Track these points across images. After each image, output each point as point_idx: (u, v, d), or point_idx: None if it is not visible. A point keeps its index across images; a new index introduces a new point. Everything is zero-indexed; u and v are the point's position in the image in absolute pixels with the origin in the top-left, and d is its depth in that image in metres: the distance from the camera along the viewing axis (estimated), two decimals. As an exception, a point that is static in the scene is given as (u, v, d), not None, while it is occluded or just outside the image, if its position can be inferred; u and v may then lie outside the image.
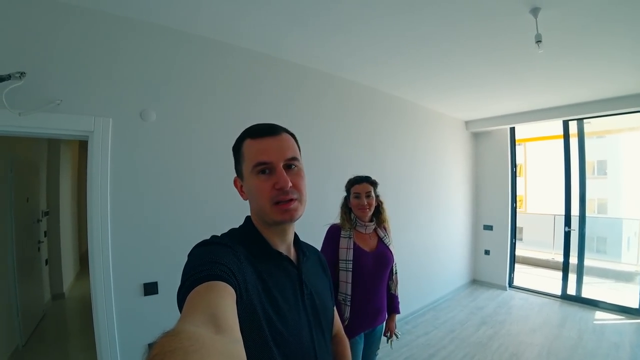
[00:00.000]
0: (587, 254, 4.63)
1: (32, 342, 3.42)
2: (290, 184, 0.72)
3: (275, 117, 2.66)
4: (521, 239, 7.39)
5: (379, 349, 1.98)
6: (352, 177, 1.95)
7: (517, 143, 5.37)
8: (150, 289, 2.06)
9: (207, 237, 0.75)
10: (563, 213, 4.76)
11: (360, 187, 1.86)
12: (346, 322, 1.72)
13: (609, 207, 8.92)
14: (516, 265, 5.44)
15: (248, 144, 0.77)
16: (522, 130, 5.69)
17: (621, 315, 4.03)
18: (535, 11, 1.95)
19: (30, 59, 1.72)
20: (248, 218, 0.83)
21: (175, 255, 2.11)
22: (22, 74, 1.64)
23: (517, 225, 5.45)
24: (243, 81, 2.57)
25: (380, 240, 1.90)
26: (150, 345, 2.00)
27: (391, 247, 1.91)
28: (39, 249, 4.02)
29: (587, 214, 4.58)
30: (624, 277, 5.79)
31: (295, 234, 0.87)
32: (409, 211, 4.08)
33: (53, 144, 4.72)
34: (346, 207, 1.93)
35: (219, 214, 2.35)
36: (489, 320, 4.04)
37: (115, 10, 1.98)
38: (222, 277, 0.57)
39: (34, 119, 1.72)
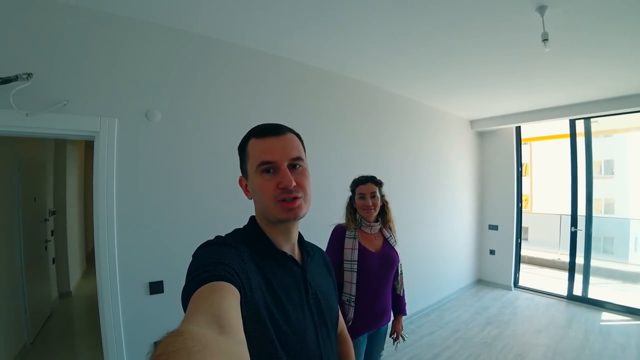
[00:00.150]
0: (593, 255, 4.58)
1: (39, 339, 3.47)
2: (294, 184, 0.73)
3: (279, 117, 2.67)
4: (526, 239, 7.33)
5: (383, 349, 1.98)
6: (357, 177, 1.94)
7: (522, 142, 5.33)
8: (156, 287, 2.08)
9: (212, 236, 0.76)
10: (569, 213, 4.71)
11: (365, 187, 1.85)
12: (350, 323, 1.72)
13: (616, 207, 8.82)
14: (521, 266, 5.40)
15: (253, 143, 0.77)
16: (528, 130, 5.64)
17: (628, 317, 3.99)
18: (541, 9, 1.94)
19: (37, 60, 1.74)
20: (252, 218, 0.84)
21: (180, 254, 2.13)
22: (29, 75, 1.66)
23: (523, 225, 5.41)
24: (247, 81, 2.57)
25: (386, 241, 1.89)
26: (156, 344, 2.01)
27: (397, 248, 1.90)
28: (46, 247, 4.07)
29: (594, 214, 4.54)
30: (631, 277, 5.72)
31: (300, 234, 0.87)
32: (413, 211, 4.07)
33: (59, 144, 4.77)
34: (351, 208, 1.92)
35: (224, 213, 2.36)
36: (494, 320, 4.02)
37: (120, 12, 1.99)
38: (226, 277, 0.57)
39: (41, 119, 1.74)
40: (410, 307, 2.12)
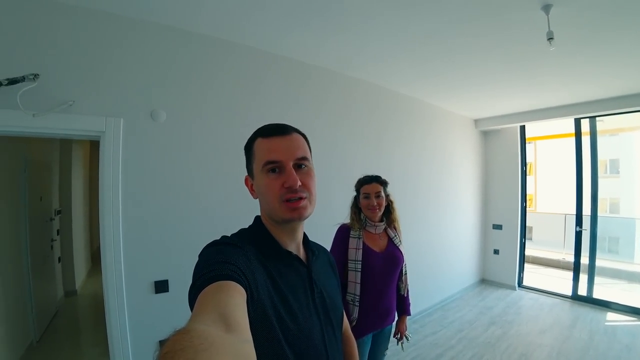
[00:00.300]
0: (598, 254, 4.55)
1: (46, 337, 3.50)
2: (299, 183, 0.73)
3: (283, 116, 2.68)
4: (531, 239, 7.29)
5: (387, 349, 1.98)
6: (362, 176, 1.94)
7: (527, 141, 5.30)
8: (161, 286, 2.09)
9: (217, 235, 0.77)
10: (574, 212, 4.69)
11: (369, 187, 1.85)
12: (354, 323, 1.72)
13: (621, 207, 8.75)
14: (526, 265, 5.38)
15: (259, 143, 0.77)
16: (533, 129, 5.61)
17: (633, 317, 3.96)
18: (547, 8, 1.92)
19: (43, 61, 1.76)
20: (257, 218, 0.84)
21: (185, 253, 2.14)
22: (36, 75, 1.68)
23: (527, 224, 5.39)
24: (251, 80, 2.58)
25: (390, 241, 1.89)
26: (161, 342, 2.03)
27: (401, 248, 1.90)
28: (52, 247, 4.11)
29: (599, 213, 4.50)
30: (637, 278, 5.68)
31: (305, 234, 0.88)
32: (416, 210, 4.06)
33: (65, 144, 4.80)
34: (356, 207, 1.92)
35: (229, 213, 2.37)
36: (498, 320, 4.01)
37: (126, 12, 2.01)
38: (232, 276, 0.58)
39: (48, 119, 1.75)
40: (413, 307, 2.11)
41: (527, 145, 5.32)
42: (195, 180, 2.28)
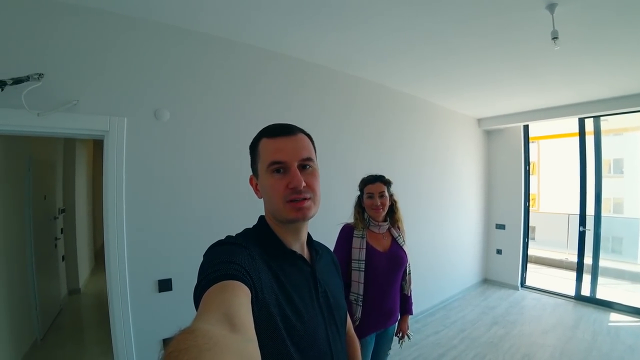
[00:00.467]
0: (602, 255, 4.53)
1: (49, 335, 3.52)
2: (303, 184, 0.73)
3: (286, 115, 2.68)
4: (533, 239, 7.27)
5: (390, 348, 1.98)
6: (365, 176, 1.94)
7: (530, 141, 5.28)
8: (165, 285, 2.10)
9: (221, 234, 0.77)
10: (577, 212, 4.67)
11: (373, 187, 1.85)
12: (357, 322, 1.72)
13: (625, 207, 8.69)
14: (528, 265, 5.36)
15: (264, 143, 0.78)
16: (536, 128, 5.59)
17: (637, 318, 3.94)
18: (551, 7, 1.91)
19: (47, 61, 1.77)
20: (262, 217, 0.84)
21: (188, 252, 2.15)
22: (41, 75, 1.69)
23: (530, 224, 5.37)
24: (253, 79, 2.58)
25: (394, 240, 1.89)
26: (165, 341, 2.04)
27: (405, 247, 1.90)
28: (55, 245, 4.12)
29: (603, 213, 4.48)
30: (641, 278, 5.65)
31: (308, 234, 0.88)
32: (419, 210, 4.06)
33: (68, 143, 4.83)
34: (359, 207, 1.92)
35: (233, 212, 2.38)
36: (501, 320, 4.00)
37: (129, 12, 2.01)
38: (237, 276, 0.58)
39: (52, 119, 1.76)
40: (415, 306, 2.12)
41: (530, 144, 5.30)
42: (199, 179, 2.28)
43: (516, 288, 5.12)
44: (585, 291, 4.53)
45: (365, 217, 1.88)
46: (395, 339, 2.01)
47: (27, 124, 1.72)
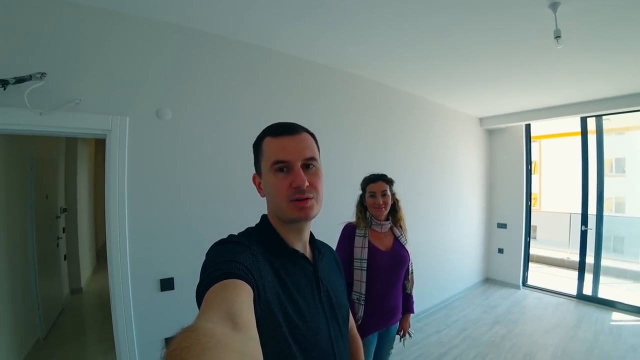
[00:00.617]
0: (604, 254, 4.52)
1: (52, 334, 3.53)
2: (307, 184, 0.73)
3: (287, 114, 2.68)
4: (535, 238, 7.25)
5: (392, 348, 1.98)
6: (368, 175, 1.94)
7: (532, 140, 5.27)
8: (167, 284, 2.10)
9: (222, 233, 0.77)
10: (579, 211, 4.66)
11: (375, 185, 1.85)
12: (360, 321, 1.72)
13: (627, 206, 8.66)
14: (530, 264, 5.35)
15: (268, 141, 0.77)
16: (538, 127, 5.58)
17: (639, 317, 3.93)
18: (554, 6, 1.90)
19: (50, 60, 1.77)
20: (264, 217, 0.84)
21: (191, 251, 2.15)
22: (43, 74, 1.69)
23: (532, 223, 5.36)
24: (255, 78, 2.58)
25: (396, 240, 1.89)
26: (167, 340, 2.04)
27: (407, 247, 1.90)
28: (57, 244, 4.13)
29: (605, 212, 4.47)
30: (643, 277, 5.63)
31: (311, 232, 0.88)
32: (420, 209, 4.05)
33: (70, 142, 4.84)
34: (361, 206, 1.92)
35: (235, 210, 2.38)
36: (502, 319, 3.99)
37: (131, 11, 2.01)
38: (239, 275, 0.58)
39: (54, 118, 1.77)
40: (417, 305, 2.12)
41: (532, 143, 5.28)
42: (201, 178, 2.29)
43: (518, 287, 5.12)
44: (587, 290, 4.52)
45: (368, 216, 1.88)
46: (397, 337, 2.01)
47: (30, 123, 1.72)
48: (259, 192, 0.83)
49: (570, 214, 6.63)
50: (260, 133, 0.81)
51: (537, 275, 5.66)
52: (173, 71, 2.19)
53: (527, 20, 2.16)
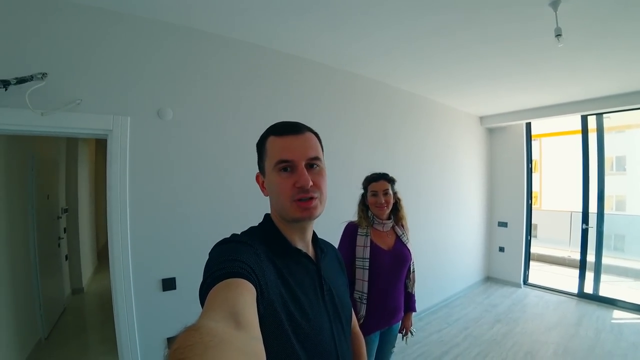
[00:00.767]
0: (604, 252, 4.52)
1: (54, 334, 3.54)
2: (310, 183, 0.73)
3: (288, 113, 2.68)
4: (536, 236, 7.25)
5: (394, 346, 1.99)
6: (369, 174, 1.94)
7: (532, 138, 5.26)
8: (169, 284, 2.11)
9: (225, 233, 0.77)
10: (580, 210, 4.66)
11: (377, 184, 1.85)
12: (362, 320, 1.73)
13: (627, 204, 8.66)
14: (531, 263, 5.36)
15: (271, 141, 0.77)
16: (538, 126, 5.57)
17: (640, 315, 3.94)
18: (555, 4, 1.90)
19: (51, 60, 1.77)
20: (267, 216, 0.84)
21: (193, 251, 2.16)
22: (44, 74, 1.69)
23: (532, 222, 5.36)
24: (257, 77, 2.58)
25: (398, 238, 1.89)
26: (169, 339, 2.04)
27: (409, 245, 1.90)
28: (59, 244, 4.14)
29: (605, 211, 4.47)
30: (643, 275, 5.63)
31: (314, 232, 0.88)
32: (420, 209, 4.05)
33: (71, 142, 4.84)
34: (363, 205, 1.92)
35: (237, 210, 2.38)
36: (503, 317, 4.00)
37: (131, 11, 2.01)
38: (242, 274, 0.58)
39: (56, 118, 1.77)
40: (418, 304, 2.12)
41: (532, 142, 5.28)
42: (203, 177, 2.29)
43: (519, 286, 5.12)
44: (588, 288, 4.53)
45: (369, 215, 1.88)
46: (399, 335, 2.01)
47: (31, 123, 1.72)
48: (262, 191, 0.83)
49: (571, 212, 6.64)
50: (264, 132, 0.81)
51: (538, 273, 5.68)
52: (174, 71, 2.19)
53: (527, 18, 2.16)
